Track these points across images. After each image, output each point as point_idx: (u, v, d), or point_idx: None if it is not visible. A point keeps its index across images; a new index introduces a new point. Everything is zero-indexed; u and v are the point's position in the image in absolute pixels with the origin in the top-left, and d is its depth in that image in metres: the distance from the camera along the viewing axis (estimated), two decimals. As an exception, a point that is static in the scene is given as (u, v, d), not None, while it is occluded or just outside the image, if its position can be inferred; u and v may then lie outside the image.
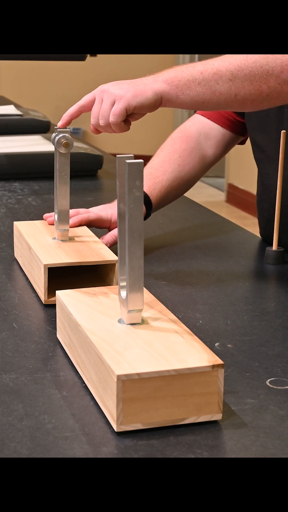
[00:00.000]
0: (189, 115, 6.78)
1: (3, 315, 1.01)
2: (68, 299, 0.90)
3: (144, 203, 1.21)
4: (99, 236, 1.19)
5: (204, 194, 5.69)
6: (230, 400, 0.80)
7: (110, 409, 0.74)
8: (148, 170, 1.36)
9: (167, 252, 1.30)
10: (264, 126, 1.32)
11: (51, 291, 1.04)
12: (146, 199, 1.30)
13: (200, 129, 1.43)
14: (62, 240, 1.14)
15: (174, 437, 0.73)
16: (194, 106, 1.12)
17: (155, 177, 1.35)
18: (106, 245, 1.18)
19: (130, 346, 0.78)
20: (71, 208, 1.16)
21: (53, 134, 1.13)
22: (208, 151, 1.43)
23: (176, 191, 1.38)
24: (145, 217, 1.30)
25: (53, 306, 1.03)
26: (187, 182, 1.40)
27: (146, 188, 1.32)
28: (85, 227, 1.21)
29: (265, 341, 0.94)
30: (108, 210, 1.28)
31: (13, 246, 1.26)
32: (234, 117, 1.41)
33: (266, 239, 1.35)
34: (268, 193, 1.33)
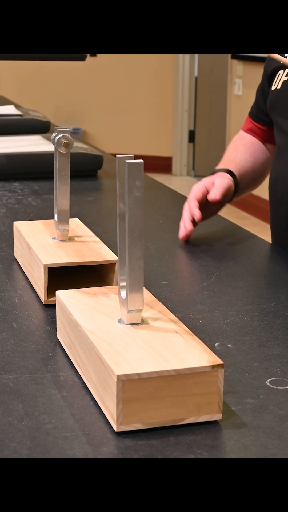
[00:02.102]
0: (189, 115, 6.75)
1: (3, 315, 1.01)
2: (68, 299, 0.90)
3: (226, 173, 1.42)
4: (99, 236, 1.19)
5: (204, 194, 5.68)
6: (230, 400, 0.80)
7: (110, 409, 0.74)
8: (220, 164, 1.49)
9: (167, 252, 1.30)
10: None
11: (51, 291, 1.04)
12: (233, 174, 1.44)
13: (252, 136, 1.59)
14: (62, 240, 1.14)
15: (174, 437, 0.73)
16: None
17: (229, 160, 1.49)
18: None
19: (130, 346, 0.78)
20: (70, 208, 1.16)
21: (53, 134, 1.13)
22: (267, 147, 1.57)
23: (253, 173, 1.51)
24: (235, 192, 1.44)
25: (53, 306, 1.03)
26: (259, 169, 1.54)
27: (223, 167, 1.47)
28: (85, 227, 1.21)
29: (265, 341, 0.94)
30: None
31: (13, 246, 1.26)
32: (262, 127, 1.56)
33: (277, 222, 1.44)
34: (283, 176, 1.41)
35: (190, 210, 1.34)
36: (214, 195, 1.34)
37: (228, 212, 5.04)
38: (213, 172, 1.45)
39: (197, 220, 1.33)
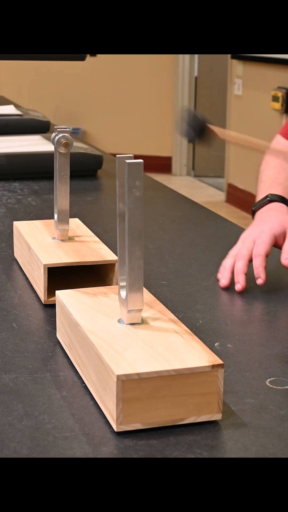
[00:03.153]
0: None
1: (3, 315, 1.01)
2: (68, 299, 0.90)
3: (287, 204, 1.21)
4: (98, 236, 1.19)
5: (204, 194, 5.69)
6: (230, 400, 0.80)
7: (110, 409, 0.74)
8: (267, 181, 1.30)
9: (167, 252, 1.30)
10: None
11: (51, 291, 1.04)
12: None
13: None
14: (61, 240, 1.14)
15: (173, 437, 0.73)
16: None
17: (280, 182, 1.28)
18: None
19: (130, 346, 0.78)
20: (70, 207, 1.16)
21: (53, 134, 1.13)
22: None
23: None
24: None
25: (53, 306, 1.03)
26: None
27: (279, 192, 1.26)
28: (84, 227, 1.21)
29: (265, 341, 0.94)
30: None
31: (13, 246, 1.26)
32: None
33: None
34: None
35: (256, 269, 1.11)
36: None
37: (228, 212, 5.05)
38: (267, 198, 1.24)
39: (260, 284, 1.10)
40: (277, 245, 1.14)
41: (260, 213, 1.22)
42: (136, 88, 6.27)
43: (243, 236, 1.17)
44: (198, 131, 1.06)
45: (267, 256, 1.12)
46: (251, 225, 1.20)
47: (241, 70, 5.14)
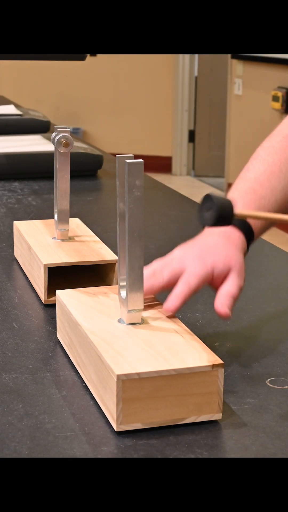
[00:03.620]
0: (189, 115, 6.74)
1: (3, 315, 1.01)
2: (68, 299, 0.90)
3: (243, 231, 0.96)
4: (99, 235, 1.19)
5: (204, 194, 5.68)
6: (230, 399, 0.80)
7: (110, 409, 0.74)
8: (250, 185, 1.01)
9: (167, 252, 1.29)
10: None
11: (51, 291, 1.04)
12: (247, 228, 0.97)
13: None
14: (62, 240, 1.14)
15: (174, 437, 0.73)
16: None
17: (261, 197, 0.99)
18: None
19: (130, 346, 0.78)
20: (70, 207, 1.16)
21: (53, 134, 1.13)
22: None
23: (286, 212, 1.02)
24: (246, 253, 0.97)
25: (53, 306, 1.03)
26: None
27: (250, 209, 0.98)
28: (85, 227, 1.21)
29: (265, 341, 0.94)
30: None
31: (13, 246, 1.26)
32: None
33: None
34: None
35: (174, 294, 0.87)
36: (225, 310, 0.85)
37: (228, 212, 5.04)
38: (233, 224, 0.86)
39: (168, 310, 0.86)
40: (212, 284, 0.90)
41: (209, 234, 0.97)
42: (136, 88, 6.26)
43: (177, 252, 0.93)
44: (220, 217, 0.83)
45: (194, 292, 0.88)
46: (193, 244, 0.95)
47: (241, 70, 5.14)
